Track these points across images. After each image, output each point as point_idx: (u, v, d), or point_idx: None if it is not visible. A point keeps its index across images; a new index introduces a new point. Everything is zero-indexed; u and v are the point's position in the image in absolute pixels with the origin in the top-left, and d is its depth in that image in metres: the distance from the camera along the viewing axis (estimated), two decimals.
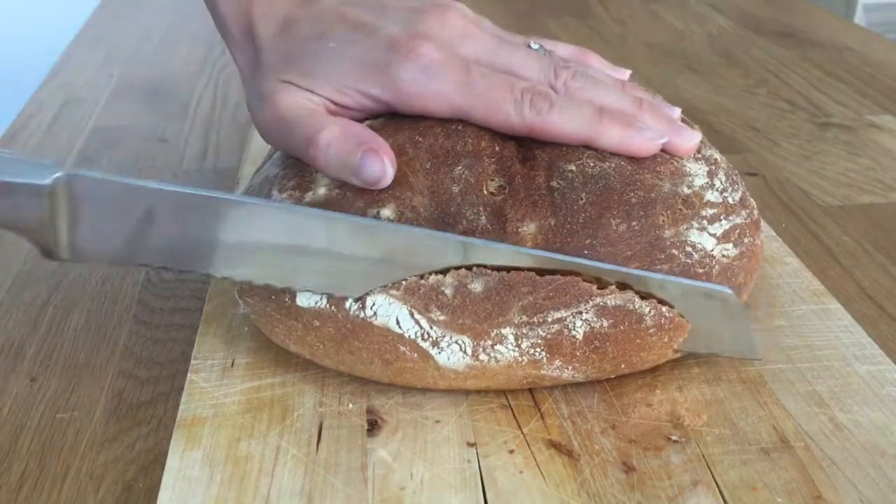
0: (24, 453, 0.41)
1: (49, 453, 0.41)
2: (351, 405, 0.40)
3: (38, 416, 0.43)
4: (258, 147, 0.67)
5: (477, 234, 0.39)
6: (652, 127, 0.42)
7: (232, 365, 0.43)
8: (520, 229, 0.39)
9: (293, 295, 0.39)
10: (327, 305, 0.39)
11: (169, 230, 0.38)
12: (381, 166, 0.39)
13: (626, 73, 0.49)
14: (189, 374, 0.42)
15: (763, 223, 0.55)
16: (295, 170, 0.42)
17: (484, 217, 0.39)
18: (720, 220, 0.41)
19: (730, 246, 0.41)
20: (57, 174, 0.34)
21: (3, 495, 0.39)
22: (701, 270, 0.40)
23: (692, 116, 0.78)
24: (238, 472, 0.37)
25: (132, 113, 0.81)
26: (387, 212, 0.39)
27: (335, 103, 0.43)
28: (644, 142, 0.41)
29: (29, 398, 0.45)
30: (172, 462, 0.37)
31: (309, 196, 0.41)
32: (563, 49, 0.48)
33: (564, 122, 0.41)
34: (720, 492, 0.35)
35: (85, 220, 0.36)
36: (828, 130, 0.75)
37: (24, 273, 0.56)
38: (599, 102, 0.43)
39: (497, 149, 0.42)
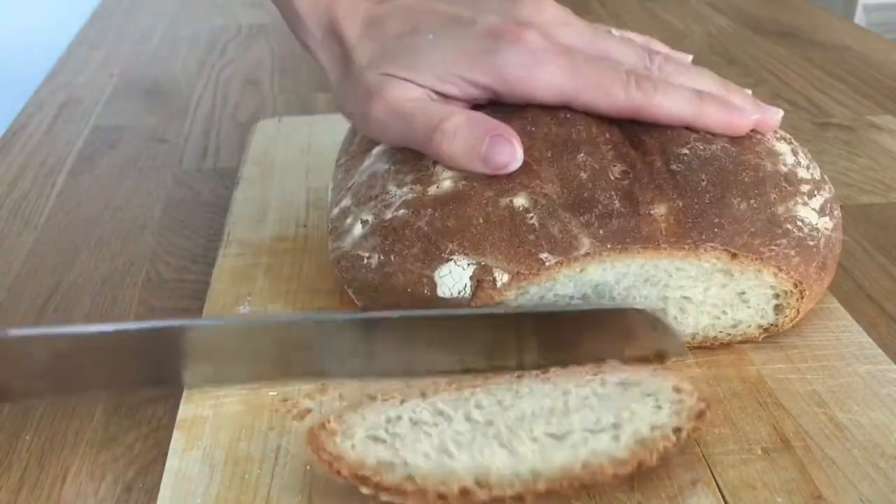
0: (24, 453, 0.41)
1: (49, 453, 0.41)
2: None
3: (39, 416, 0.43)
4: (258, 147, 0.67)
5: (613, 218, 0.40)
6: (744, 106, 0.44)
7: None
8: (651, 211, 0.40)
9: (433, 286, 0.40)
10: (471, 295, 0.40)
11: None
12: (511, 150, 0.40)
13: (688, 57, 0.50)
14: None
15: None
16: (409, 164, 0.43)
17: (617, 201, 0.40)
18: (815, 195, 0.43)
19: (826, 219, 0.43)
20: None
21: (3, 495, 0.39)
22: (811, 243, 0.41)
23: None
24: (238, 472, 0.37)
25: (132, 113, 0.81)
26: (520, 200, 0.40)
27: (438, 93, 0.43)
28: (742, 120, 0.43)
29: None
30: (172, 462, 0.37)
31: (433, 189, 0.41)
32: (633, 37, 0.49)
33: (670, 104, 0.42)
34: (720, 491, 0.35)
35: (17, 371, 0.39)
36: (828, 130, 0.75)
37: (24, 273, 0.56)
38: (693, 86, 0.44)
39: (608, 135, 0.43)
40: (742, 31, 1.03)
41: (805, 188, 0.43)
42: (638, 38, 0.49)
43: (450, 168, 0.42)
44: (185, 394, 0.41)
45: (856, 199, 0.63)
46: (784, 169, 0.43)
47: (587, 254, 0.40)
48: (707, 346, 0.44)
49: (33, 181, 0.68)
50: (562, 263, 0.40)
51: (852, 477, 0.36)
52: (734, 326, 0.43)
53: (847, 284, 0.52)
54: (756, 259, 0.41)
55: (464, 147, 0.41)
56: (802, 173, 0.43)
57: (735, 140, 0.43)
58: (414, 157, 0.43)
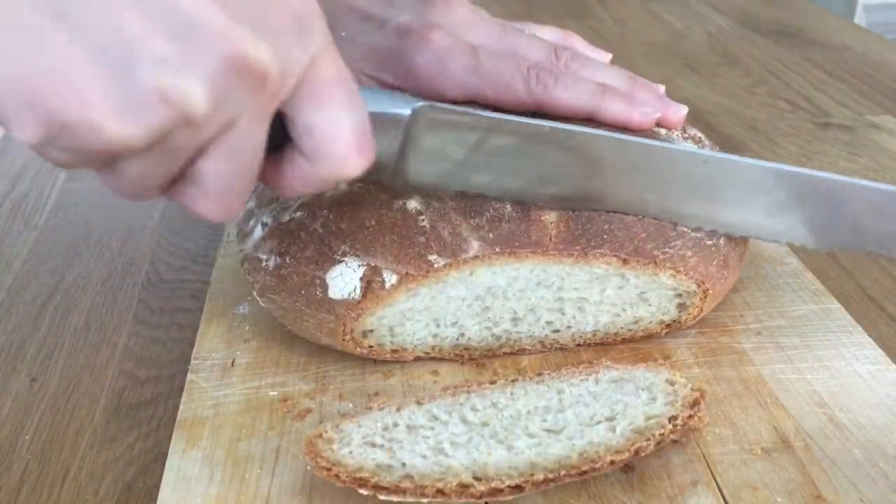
0: (24, 453, 0.41)
1: (49, 453, 0.41)
2: (351, 405, 0.40)
3: (38, 416, 0.43)
4: None
5: (503, 222, 0.40)
6: (647, 102, 0.44)
7: (232, 365, 0.43)
8: (542, 217, 0.40)
9: (325, 288, 0.40)
10: (361, 296, 0.39)
11: (516, 162, 0.39)
12: None
13: (607, 56, 0.51)
14: (189, 374, 0.42)
15: None
16: None
17: (509, 205, 0.40)
18: None
19: None
20: (417, 104, 0.36)
21: (3, 495, 0.39)
22: (710, 242, 0.41)
23: (692, 116, 0.78)
24: (238, 472, 0.36)
25: None
26: (413, 203, 0.40)
27: None
28: (642, 115, 0.43)
29: (29, 398, 0.45)
30: (173, 462, 0.37)
31: (329, 191, 0.41)
32: (549, 33, 0.50)
33: (570, 96, 0.43)
34: (720, 491, 0.35)
35: (434, 147, 0.37)
36: (828, 130, 0.75)
37: (24, 273, 0.56)
38: (598, 80, 0.45)
39: None
40: (742, 31, 1.03)
41: None
42: (555, 33, 0.50)
43: None
44: (185, 394, 0.41)
45: None
46: None
47: (476, 256, 0.40)
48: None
49: (33, 181, 0.68)
50: (450, 265, 0.40)
51: (852, 477, 0.36)
52: (635, 322, 0.44)
53: (847, 284, 0.52)
54: (650, 263, 0.41)
55: None
56: None
57: None
58: None
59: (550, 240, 0.40)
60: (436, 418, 0.37)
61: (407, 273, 0.39)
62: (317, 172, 0.33)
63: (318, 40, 0.31)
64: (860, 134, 0.74)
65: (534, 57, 0.45)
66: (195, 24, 0.27)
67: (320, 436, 0.35)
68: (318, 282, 0.40)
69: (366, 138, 0.33)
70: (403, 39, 0.43)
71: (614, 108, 0.43)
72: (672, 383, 0.38)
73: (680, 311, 0.43)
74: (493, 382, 0.39)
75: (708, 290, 0.42)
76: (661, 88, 0.48)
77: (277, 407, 0.40)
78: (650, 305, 0.43)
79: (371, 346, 0.42)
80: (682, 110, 0.46)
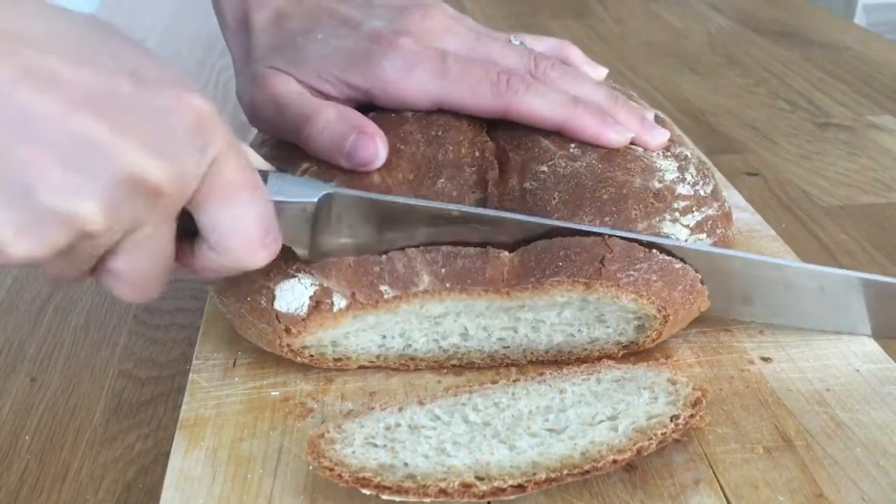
0: (24, 453, 0.41)
1: (49, 453, 0.41)
2: (353, 405, 0.40)
3: (38, 416, 0.43)
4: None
5: (458, 258, 0.39)
6: (623, 122, 0.43)
7: (234, 365, 0.43)
8: (500, 254, 0.39)
9: (271, 298, 0.39)
10: (306, 314, 0.39)
11: (405, 238, 0.39)
12: (374, 149, 0.41)
13: (603, 72, 0.50)
14: (191, 374, 0.42)
15: (763, 222, 0.55)
16: (276, 163, 0.43)
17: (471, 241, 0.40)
18: (692, 212, 0.42)
19: (703, 236, 0.42)
20: (323, 192, 0.37)
21: (3, 495, 0.39)
22: (678, 265, 0.40)
23: (692, 116, 0.78)
24: (241, 472, 0.36)
25: None
26: None
27: (317, 90, 0.44)
28: (613, 134, 0.42)
29: (29, 398, 0.45)
30: (175, 462, 0.37)
31: None
32: (544, 43, 0.49)
33: (540, 103, 0.43)
34: (722, 490, 0.35)
35: (336, 227, 0.38)
36: (828, 130, 0.75)
37: (24, 273, 0.56)
38: (575, 93, 0.44)
39: (477, 154, 0.42)
40: (742, 31, 1.03)
41: (680, 204, 0.41)
42: (546, 42, 0.49)
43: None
44: (187, 394, 0.41)
45: (856, 199, 0.63)
46: (657, 185, 0.41)
47: (426, 291, 0.39)
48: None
49: None
50: (400, 298, 0.39)
51: (854, 475, 0.36)
52: (591, 343, 0.43)
53: None
54: (612, 286, 0.39)
55: (330, 141, 0.41)
56: (683, 190, 0.42)
57: (606, 157, 0.42)
58: (285, 152, 0.43)
59: (503, 277, 0.39)
60: (438, 418, 0.37)
61: (357, 300, 0.39)
62: (223, 263, 0.34)
63: (218, 144, 0.31)
64: (860, 134, 0.74)
65: (508, 64, 0.44)
66: (85, 146, 0.28)
67: (322, 436, 0.35)
68: (265, 291, 0.39)
69: (269, 233, 0.34)
70: (373, 43, 0.43)
71: (585, 123, 0.42)
72: (674, 382, 0.38)
73: (638, 333, 0.42)
74: (494, 382, 0.39)
75: (668, 315, 0.41)
76: (650, 114, 0.46)
77: (279, 407, 0.40)
78: (608, 327, 0.42)
79: (312, 356, 0.42)
80: (663, 136, 0.44)
